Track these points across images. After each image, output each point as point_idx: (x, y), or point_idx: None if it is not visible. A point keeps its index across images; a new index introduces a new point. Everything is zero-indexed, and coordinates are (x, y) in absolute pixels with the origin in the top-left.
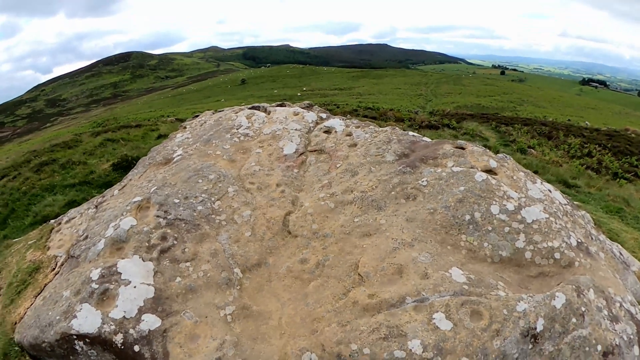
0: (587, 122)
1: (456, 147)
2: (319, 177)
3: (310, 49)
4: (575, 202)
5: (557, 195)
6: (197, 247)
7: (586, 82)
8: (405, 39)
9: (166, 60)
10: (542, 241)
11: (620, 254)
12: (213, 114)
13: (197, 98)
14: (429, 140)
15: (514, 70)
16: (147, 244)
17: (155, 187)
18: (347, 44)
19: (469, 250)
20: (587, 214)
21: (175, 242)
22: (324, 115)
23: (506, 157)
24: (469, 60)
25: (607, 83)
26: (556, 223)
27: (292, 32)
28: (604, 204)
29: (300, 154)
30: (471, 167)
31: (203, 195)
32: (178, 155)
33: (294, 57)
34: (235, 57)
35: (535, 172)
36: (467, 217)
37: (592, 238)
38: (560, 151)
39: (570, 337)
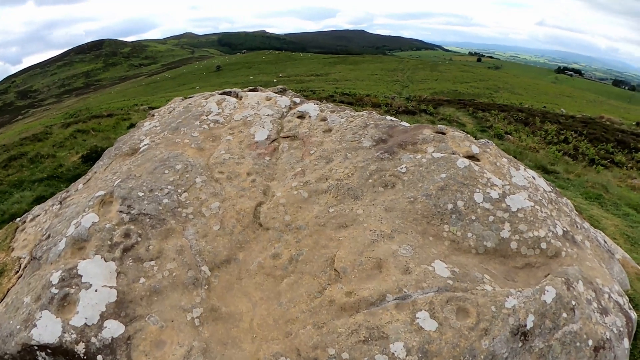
0: (562, 109)
1: (436, 132)
2: (292, 164)
3: (287, 35)
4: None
5: (541, 182)
6: (163, 243)
7: (562, 70)
8: (382, 25)
9: (140, 47)
10: (527, 230)
11: (605, 241)
12: (182, 100)
13: (172, 86)
14: (407, 125)
15: (491, 57)
16: (109, 243)
17: (120, 180)
18: (324, 30)
19: (452, 241)
20: (569, 201)
21: (139, 239)
22: (297, 100)
23: (488, 142)
24: (445, 47)
25: (583, 72)
26: (542, 211)
27: (268, 18)
28: (583, 190)
29: (273, 141)
30: (452, 153)
31: (169, 187)
32: (145, 145)
33: (270, 43)
34: (210, 44)
35: (515, 157)
36: (450, 205)
37: (577, 226)
38: (537, 137)
39: (560, 333)
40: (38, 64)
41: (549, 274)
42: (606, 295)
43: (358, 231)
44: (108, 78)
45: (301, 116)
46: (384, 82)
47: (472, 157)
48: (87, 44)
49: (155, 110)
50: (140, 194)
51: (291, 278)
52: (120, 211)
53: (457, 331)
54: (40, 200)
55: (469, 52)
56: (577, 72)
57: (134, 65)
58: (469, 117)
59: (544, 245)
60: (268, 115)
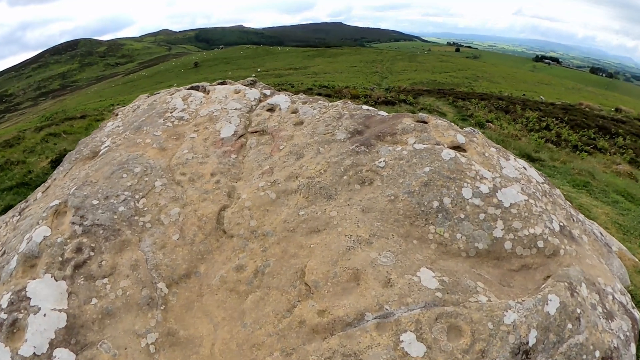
0: (542, 96)
1: (417, 121)
2: (260, 162)
3: (264, 29)
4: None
5: (533, 172)
6: (117, 258)
7: (539, 59)
8: (360, 17)
9: (116, 46)
10: (522, 228)
11: (602, 234)
12: (148, 97)
13: (149, 84)
14: (385, 114)
15: (469, 47)
16: (60, 259)
17: (75, 188)
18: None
19: (440, 244)
20: (559, 191)
21: (91, 254)
22: (267, 92)
23: (474, 131)
24: (424, 38)
25: (560, 60)
26: (536, 205)
27: (246, 12)
28: (569, 177)
29: (240, 137)
30: (436, 144)
31: (126, 193)
32: (105, 148)
33: (248, 38)
34: (187, 40)
35: (505, 147)
36: (435, 203)
37: (573, 220)
38: (519, 125)
39: (565, 346)
40: (13, 67)
41: (548, 277)
42: (610, 297)
43: (332, 237)
44: (84, 78)
45: (271, 109)
46: (363, 74)
47: (457, 148)
48: (62, 44)
49: (120, 109)
50: (95, 202)
51: (257, 294)
52: (73, 222)
53: (450, 355)
54: (8, 209)
55: (448, 43)
56: (555, 60)
57: (110, 64)
58: (449, 106)
59: (541, 244)
60: (236, 109)
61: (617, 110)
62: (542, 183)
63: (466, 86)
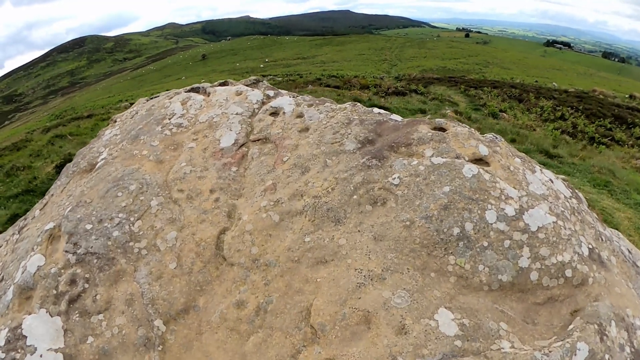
0: (554, 83)
1: (434, 129)
2: (262, 176)
3: (271, 19)
4: (562, 176)
5: (560, 185)
6: (111, 290)
7: (550, 43)
8: (367, 5)
9: (122, 41)
10: (550, 255)
11: (630, 252)
12: (147, 101)
13: (157, 78)
14: (399, 119)
15: (478, 32)
16: (54, 292)
17: (69, 208)
18: (309, 11)
19: (460, 277)
20: (581, 195)
21: (86, 286)
22: (271, 93)
23: (497, 138)
24: (432, 24)
25: (571, 45)
26: (565, 227)
27: (252, 3)
28: (590, 176)
29: (241, 146)
30: (456, 157)
31: (120, 215)
32: (102, 160)
33: (255, 29)
34: (194, 33)
35: (513, 141)
36: (456, 230)
37: (602, 239)
38: (533, 114)
39: None
40: (21, 66)
41: (575, 311)
42: (638, 332)
43: (340, 270)
44: (93, 75)
45: (274, 113)
46: (372, 62)
47: (479, 161)
48: (69, 42)
49: (118, 115)
50: (89, 226)
51: (259, 335)
52: (66, 251)
53: None
54: (14, 219)
55: (457, 28)
56: (566, 45)
57: (118, 60)
58: (461, 95)
59: (569, 273)
60: (237, 114)
61: (631, 97)
62: (570, 198)
63: (477, 72)
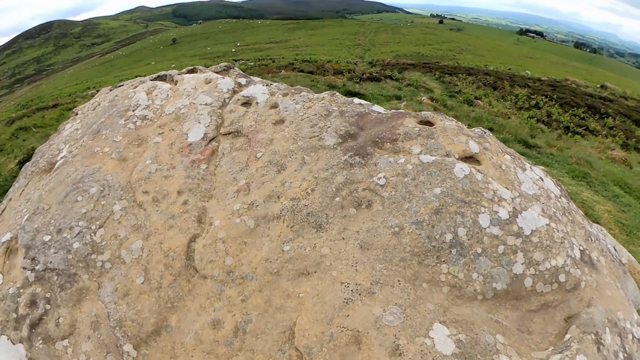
0: (527, 71)
1: (421, 123)
2: (234, 174)
3: (244, 2)
4: (541, 167)
5: (549, 183)
6: (75, 312)
7: (524, 32)
8: None
9: (91, 26)
10: (544, 260)
11: (615, 249)
12: (110, 91)
13: (127, 63)
14: (381, 110)
15: (453, 19)
16: (15, 315)
17: (26, 217)
18: None
19: (453, 287)
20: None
21: (47, 308)
22: (243, 81)
23: (485, 133)
24: (407, 10)
25: (544, 34)
26: (558, 230)
27: None
28: (568, 167)
29: (210, 140)
30: (446, 155)
31: (81, 223)
32: (61, 159)
33: (227, 12)
34: (164, 16)
35: (490, 130)
36: (448, 236)
37: (591, 239)
38: (508, 102)
39: None
40: None
41: (569, 317)
42: (630, 336)
43: (325, 284)
44: (60, 61)
45: (247, 103)
46: (346, 47)
47: (470, 159)
48: (35, 28)
49: (80, 107)
50: (47, 238)
51: (239, 359)
52: (24, 267)
53: None
54: None
55: (431, 15)
56: (539, 34)
57: (86, 45)
58: (436, 81)
59: (562, 278)
60: (206, 104)
61: (602, 87)
62: (560, 197)
63: (451, 59)
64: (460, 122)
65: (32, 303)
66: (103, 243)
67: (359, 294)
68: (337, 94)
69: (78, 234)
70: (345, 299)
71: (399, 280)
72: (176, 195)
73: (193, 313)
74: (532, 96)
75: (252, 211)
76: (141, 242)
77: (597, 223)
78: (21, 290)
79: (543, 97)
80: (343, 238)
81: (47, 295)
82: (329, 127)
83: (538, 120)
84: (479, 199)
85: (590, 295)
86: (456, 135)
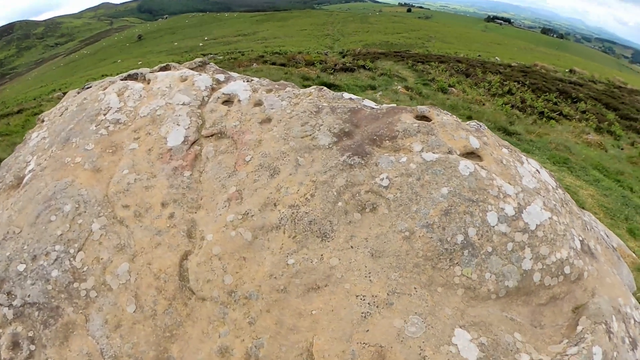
0: (496, 57)
1: (418, 118)
2: (223, 181)
3: None
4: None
5: (545, 175)
6: (64, 351)
7: (491, 19)
8: None
9: (54, 25)
10: (550, 254)
11: (607, 235)
12: (78, 94)
13: (92, 62)
14: (374, 105)
15: (420, 7)
16: None
17: None
18: None
19: (467, 289)
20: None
21: (32, 349)
22: (221, 77)
23: (481, 126)
24: None
25: (511, 21)
26: (560, 223)
27: None
28: (549, 153)
29: (192, 144)
30: (449, 152)
31: (57, 246)
32: (29, 172)
33: (193, 6)
34: (129, 12)
35: (469, 118)
36: (460, 237)
37: (588, 228)
38: (481, 89)
39: None
40: None
41: (577, 307)
42: (632, 321)
43: (338, 298)
44: (24, 64)
45: (228, 101)
46: (315, 37)
47: (471, 154)
48: None
49: (46, 112)
50: (21, 267)
51: None
52: (0, 304)
53: None
54: None
55: (399, 3)
56: (507, 20)
57: (49, 45)
58: (409, 70)
59: (567, 270)
60: (183, 104)
61: (571, 71)
62: (557, 188)
63: (420, 47)
64: (456, 117)
65: (15, 345)
66: (85, 268)
67: (377, 306)
68: (325, 88)
69: (56, 260)
70: (362, 312)
71: (415, 288)
72: (160, 207)
73: (195, 340)
74: (505, 82)
75: (247, 222)
76: (127, 264)
77: (583, 208)
78: (0, 331)
79: (515, 83)
80: (352, 247)
81: (30, 334)
82: (321, 125)
83: (513, 107)
84: (485, 197)
85: (593, 284)
86: (455, 131)
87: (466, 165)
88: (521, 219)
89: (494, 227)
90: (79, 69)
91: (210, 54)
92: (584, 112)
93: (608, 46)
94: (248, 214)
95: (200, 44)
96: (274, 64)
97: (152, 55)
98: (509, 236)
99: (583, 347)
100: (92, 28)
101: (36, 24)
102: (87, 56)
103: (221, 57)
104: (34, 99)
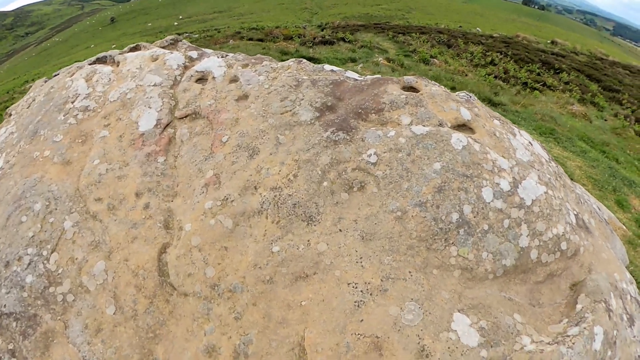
0: (478, 28)
1: (406, 89)
2: (199, 164)
3: None
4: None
5: (538, 147)
6: None
7: None
8: None
9: (23, 14)
10: (546, 230)
11: (599, 208)
12: (45, 82)
13: (64, 50)
14: (357, 77)
15: None
16: None
17: None
18: None
19: (464, 270)
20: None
21: None
22: (194, 54)
23: (470, 97)
24: None
25: None
26: (555, 197)
27: None
28: (535, 124)
29: (165, 127)
30: (439, 125)
31: (30, 249)
32: None
33: None
34: None
35: (453, 89)
36: (455, 216)
37: (581, 201)
38: (463, 60)
39: None
40: None
41: (574, 284)
42: (628, 297)
43: (329, 287)
44: None
45: (202, 79)
46: (292, 11)
47: (462, 127)
48: None
49: (13, 106)
50: None
51: None
52: None
53: None
54: None
55: None
56: None
57: (20, 35)
58: (390, 42)
59: (564, 245)
60: (155, 85)
61: (553, 42)
62: (550, 161)
63: (400, 18)
64: (445, 88)
65: None
66: (59, 271)
67: (370, 294)
68: (305, 61)
69: (29, 264)
70: (355, 301)
71: (410, 272)
72: (134, 198)
73: (181, 339)
74: (487, 53)
75: (227, 208)
76: (103, 262)
77: (572, 180)
78: None
79: (498, 54)
80: (340, 230)
81: (10, 346)
82: (302, 99)
83: (496, 77)
84: (479, 172)
85: (589, 260)
86: (445, 102)
87: (459, 139)
88: (517, 194)
89: (489, 203)
90: (51, 57)
91: (186, 32)
92: (567, 83)
93: (590, 18)
94: (227, 199)
95: (175, 23)
96: (251, 39)
97: (125, 37)
98: (505, 213)
99: (584, 328)
100: (62, 14)
101: (5, 14)
102: (59, 43)
103: (197, 36)
104: (7, 92)
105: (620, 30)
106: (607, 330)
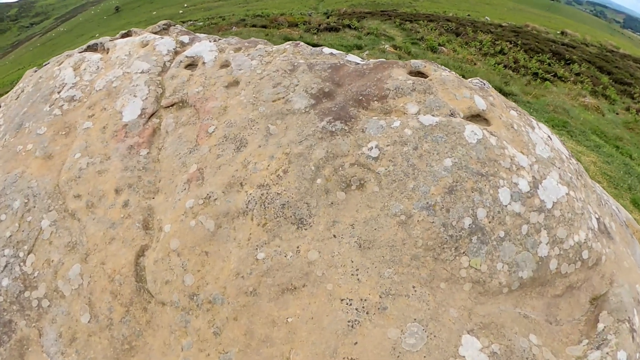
0: (486, 17)
1: (412, 74)
2: (183, 158)
3: None
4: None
5: (557, 142)
6: None
7: None
8: None
9: (27, 5)
10: (567, 237)
11: (618, 210)
12: (35, 72)
13: (69, 39)
14: (359, 60)
15: None
16: None
17: None
18: None
19: (475, 283)
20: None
21: None
22: (185, 39)
23: (484, 84)
24: None
25: None
26: (577, 199)
27: None
28: (547, 116)
29: (150, 117)
30: (451, 114)
31: (7, 250)
32: None
33: None
34: None
35: (463, 77)
36: (467, 221)
37: (602, 203)
38: (472, 48)
39: None
40: None
41: (594, 298)
42: None
43: (319, 302)
44: (0, 48)
45: (191, 64)
46: None
47: (476, 117)
48: None
49: (2, 97)
50: None
51: None
52: None
53: None
54: None
55: None
56: None
57: (24, 26)
58: (397, 29)
59: (585, 254)
60: (142, 72)
61: (562, 33)
62: (570, 157)
63: (407, 6)
64: (454, 72)
65: None
66: (35, 274)
67: (367, 313)
68: (302, 43)
69: (5, 266)
70: (349, 321)
71: (414, 287)
72: (114, 195)
73: (157, 353)
74: (497, 42)
75: (209, 208)
76: (79, 265)
77: None
78: None
79: (507, 43)
80: (334, 235)
81: None
82: (297, 85)
83: (506, 67)
84: (496, 170)
85: (610, 269)
86: (458, 89)
87: (473, 131)
88: (537, 196)
89: (506, 206)
90: (56, 47)
91: (190, 20)
92: (578, 74)
93: (600, 10)
94: (210, 197)
95: (180, 12)
96: (254, 26)
97: (130, 26)
98: (523, 217)
99: (607, 353)
100: (67, 4)
101: (9, 5)
102: (64, 33)
103: (201, 23)
104: (11, 84)
105: (631, 22)
106: (631, 354)
